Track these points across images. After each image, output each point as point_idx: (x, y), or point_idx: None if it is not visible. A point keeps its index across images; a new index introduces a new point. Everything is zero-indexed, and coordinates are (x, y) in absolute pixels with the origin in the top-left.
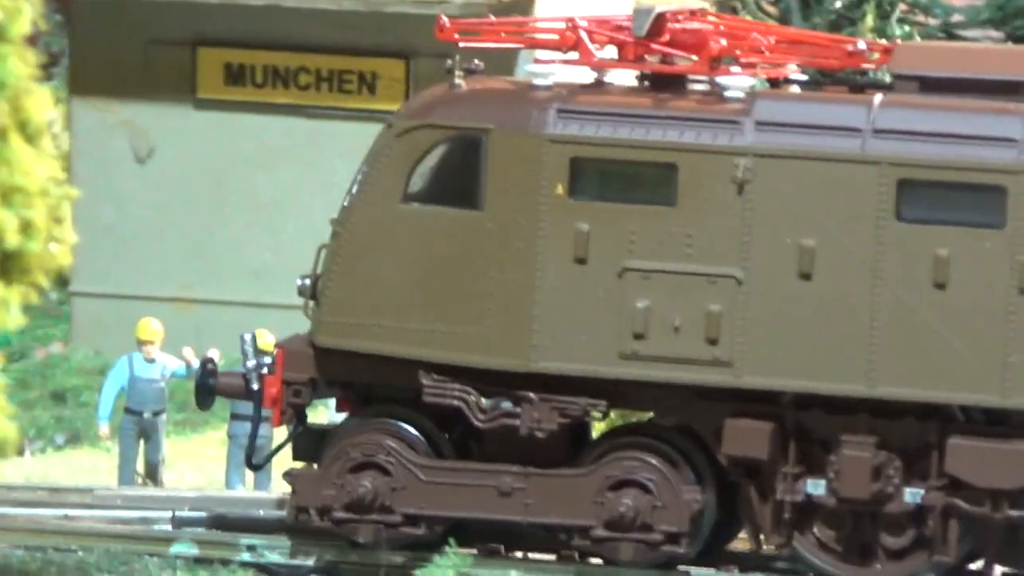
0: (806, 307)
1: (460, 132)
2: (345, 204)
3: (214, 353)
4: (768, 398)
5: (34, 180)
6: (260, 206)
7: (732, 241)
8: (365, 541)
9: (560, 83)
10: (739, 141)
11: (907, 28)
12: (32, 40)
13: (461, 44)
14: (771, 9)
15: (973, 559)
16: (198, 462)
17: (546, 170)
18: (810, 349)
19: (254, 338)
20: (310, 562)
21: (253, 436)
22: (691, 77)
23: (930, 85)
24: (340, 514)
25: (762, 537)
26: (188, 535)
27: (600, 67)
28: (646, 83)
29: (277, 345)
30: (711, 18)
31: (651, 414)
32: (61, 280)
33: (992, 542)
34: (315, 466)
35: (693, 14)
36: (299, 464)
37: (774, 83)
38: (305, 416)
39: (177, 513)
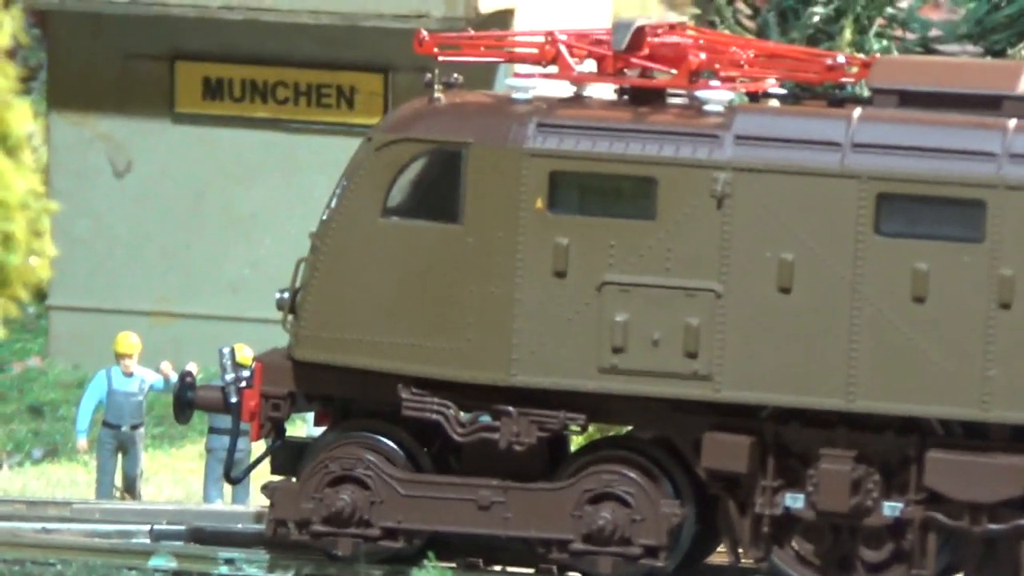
0: (785, 321)
1: (439, 146)
2: (324, 218)
3: (192, 367)
4: (747, 412)
5: (14, 193)
6: (238, 220)
7: (711, 255)
8: (344, 555)
9: (540, 97)
10: (719, 155)
11: (885, 42)
12: (11, 54)
13: (440, 58)
14: (749, 24)
15: (951, 573)
16: (176, 475)
17: (525, 184)
18: (789, 363)
19: (232, 352)
20: (289, 575)
21: (231, 450)
22: (671, 91)
23: (909, 99)
24: (319, 527)
25: (741, 550)
26: (166, 548)
27: (580, 81)
28: (626, 97)
29: (255, 359)
30: (690, 32)
31: (630, 427)
32: (39, 294)
33: (971, 556)
34: (293, 479)
35: (672, 28)
36: (277, 477)
37: (753, 97)
38: (284, 430)
39: (155, 527)
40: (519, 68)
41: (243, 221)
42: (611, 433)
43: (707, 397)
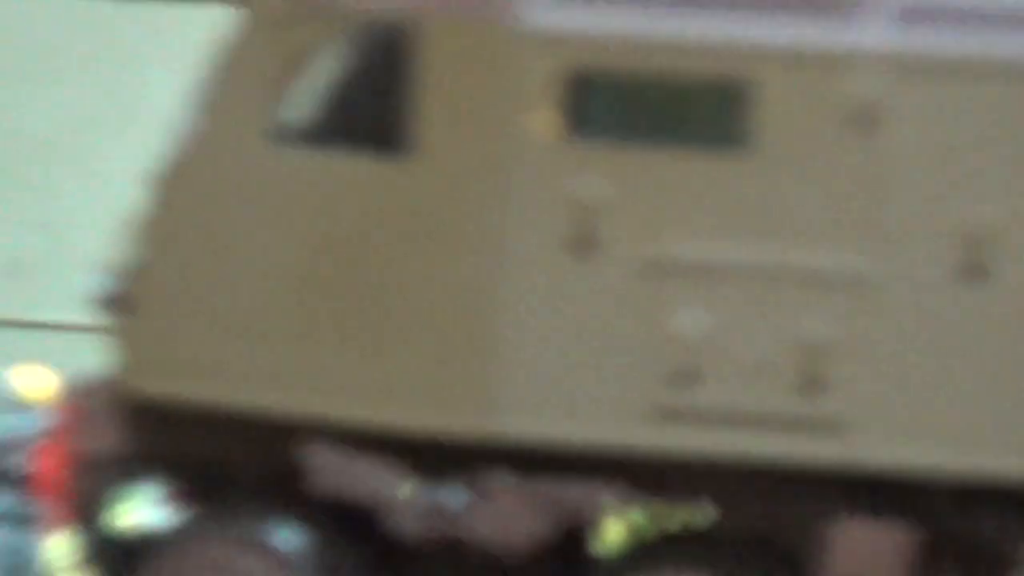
0: (978, 327)
1: (372, 21)
2: (171, 147)
3: None
4: (911, 486)
5: None
6: (18, 150)
7: (850, 214)
8: None
9: None
10: (864, 41)
11: None
12: None
13: None
14: None
15: None
16: None
17: (525, 89)
18: (984, 401)
19: (10, 381)
20: None
21: (13, 551)
22: None
23: None
24: None
25: None
26: None
27: None
28: None
29: (58, 393)
30: None
31: (706, 514)
32: None
33: None
34: None
35: None
36: None
37: None
38: (103, 517)
39: None
40: None
41: (27, 152)
42: (674, 525)
43: (843, 460)
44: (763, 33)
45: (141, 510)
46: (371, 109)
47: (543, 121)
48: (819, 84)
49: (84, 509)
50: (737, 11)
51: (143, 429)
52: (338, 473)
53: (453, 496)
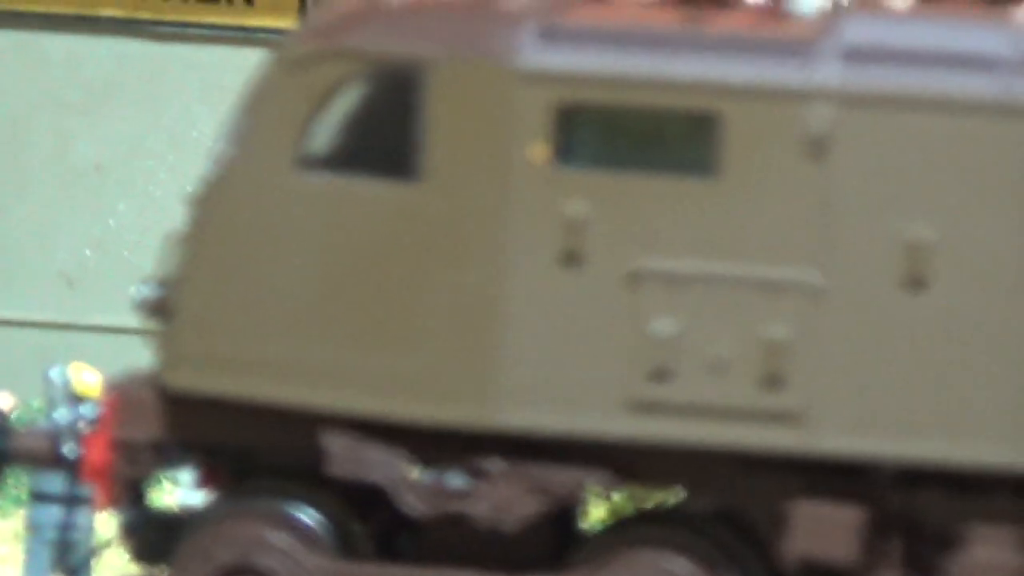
0: (917, 331)
1: (387, 63)
2: (209, 173)
3: (5, 400)
4: (859, 470)
5: None
6: (77, 173)
7: (804, 231)
8: None
9: None
10: (816, 79)
11: None
12: None
13: None
14: None
15: None
16: None
17: (519, 122)
18: (924, 396)
19: (67, 377)
20: None
21: (66, 527)
22: None
23: None
24: None
25: None
26: None
27: None
28: None
29: (104, 387)
30: None
31: (678, 494)
32: None
33: None
34: (161, 572)
35: None
36: (137, 569)
37: None
38: (146, 496)
39: None
40: None
41: (84, 176)
42: (650, 503)
43: (798, 448)
44: (728, 72)
45: (179, 490)
46: (386, 139)
47: (535, 149)
48: (777, 117)
49: (128, 490)
50: (706, 52)
51: (180, 419)
52: (354, 458)
53: (455, 479)
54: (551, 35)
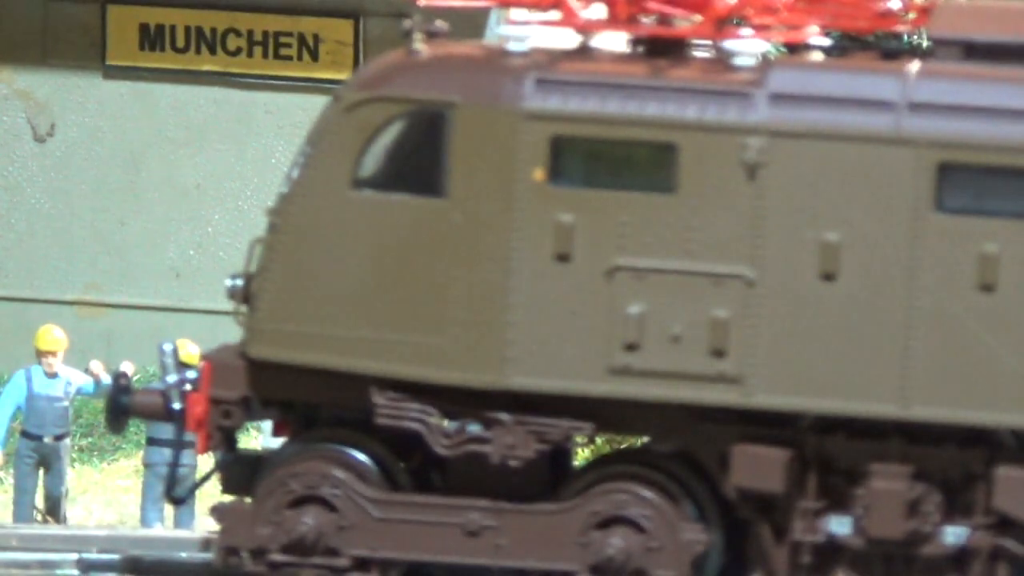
0: (829, 313)
1: (420, 106)
2: (283, 191)
3: (127, 366)
4: (784, 420)
5: None
6: (182, 192)
7: (742, 235)
8: None
9: (538, 48)
10: (751, 117)
11: None
12: None
13: (421, 1)
14: None
15: None
16: (108, 495)
17: (522, 151)
18: (833, 363)
19: (175, 349)
20: None
21: (174, 465)
22: (694, 41)
23: (976, 51)
24: (277, 556)
25: None
26: None
27: (586, 29)
28: (640, 49)
29: (203, 357)
30: None
31: (645, 439)
32: None
33: None
34: (247, 500)
35: None
36: (229, 497)
37: (792, 49)
38: (236, 441)
39: (84, 555)
40: (514, 14)
41: (188, 194)
42: (623, 446)
43: (737, 403)
44: (684, 112)
45: (261, 437)
46: (419, 165)
47: (535, 172)
48: (721, 147)
49: (221, 436)
50: (666, 96)
51: (261, 381)
52: (396, 411)
53: (474, 427)
54: (546, 84)
